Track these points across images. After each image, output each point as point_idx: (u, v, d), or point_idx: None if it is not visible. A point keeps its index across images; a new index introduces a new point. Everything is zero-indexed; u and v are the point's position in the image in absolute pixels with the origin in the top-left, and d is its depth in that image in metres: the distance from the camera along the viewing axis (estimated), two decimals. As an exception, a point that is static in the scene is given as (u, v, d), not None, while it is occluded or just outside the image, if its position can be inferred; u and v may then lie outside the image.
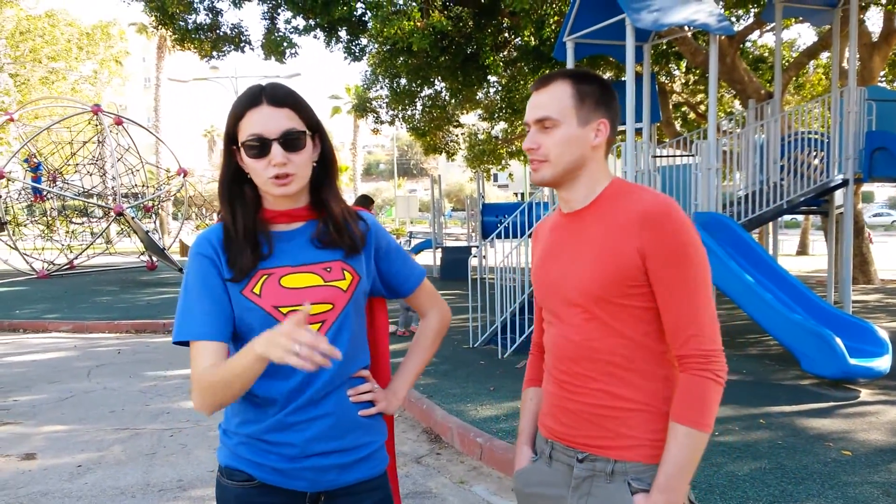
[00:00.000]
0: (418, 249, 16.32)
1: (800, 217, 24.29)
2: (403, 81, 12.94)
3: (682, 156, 9.48)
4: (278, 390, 1.31)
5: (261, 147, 1.27)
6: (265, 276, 1.31)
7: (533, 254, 1.55)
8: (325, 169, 1.38)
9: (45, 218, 16.42)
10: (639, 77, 7.99)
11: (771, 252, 9.10)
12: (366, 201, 7.88)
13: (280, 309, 1.30)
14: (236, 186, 1.35)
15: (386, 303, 1.57)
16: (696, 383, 1.26)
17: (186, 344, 1.30)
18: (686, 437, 1.25)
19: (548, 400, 1.47)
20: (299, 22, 11.78)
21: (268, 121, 1.26)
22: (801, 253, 19.82)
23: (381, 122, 16.19)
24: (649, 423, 1.33)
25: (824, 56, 13.63)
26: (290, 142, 1.27)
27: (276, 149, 1.26)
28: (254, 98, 1.28)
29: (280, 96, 1.29)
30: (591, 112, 1.36)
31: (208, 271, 1.32)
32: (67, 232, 16.81)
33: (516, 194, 45.34)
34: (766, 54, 13.82)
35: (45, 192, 15.04)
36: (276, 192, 1.30)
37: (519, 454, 1.54)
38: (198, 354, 1.27)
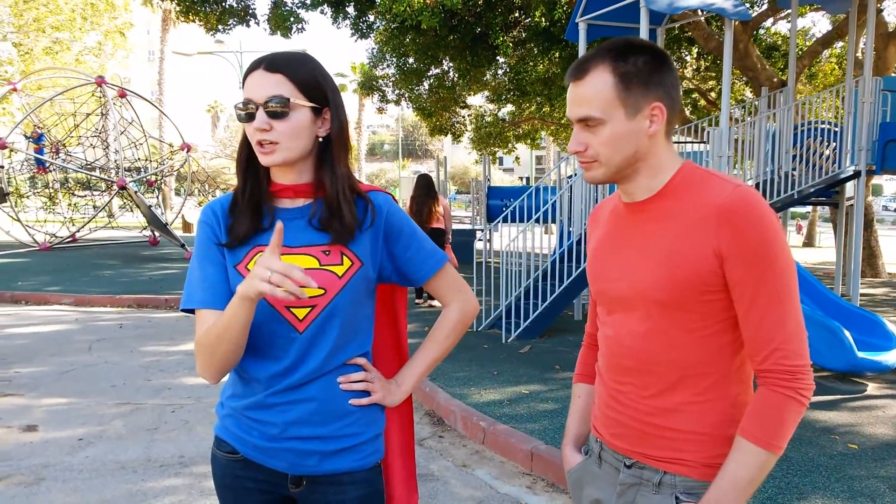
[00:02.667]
0: None
1: (807, 208, 24.18)
2: (411, 60, 12.79)
3: (691, 142, 9.38)
4: (265, 371, 1.29)
5: (248, 112, 1.24)
6: (260, 254, 1.28)
7: (588, 239, 1.40)
8: (328, 145, 1.32)
9: (47, 190, 16.36)
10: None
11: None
12: (424, 182, 7.80)
13: None
14: (252, 154, 1.32)
15: (406, 289, 1.50)
16: (777, 400, 1.12)
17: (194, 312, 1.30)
18: (752, 454, 1.12)
19: (599, 402, 1.36)
20: (307, -4, 11.62)
21: (257, 86, 1.24)
22: (808, 245, 19.74)
23: (387, 102, 16.06)
24: (709, 450, 1.20)
25: (838, 45, 13.44)
26: (273, 108, 1.23)
27: (260, 114, 1.23)
28: (255, 63, 1.26)
29: (277, 62, 1.25)
30: (641, 97, 1.16)
31: (209, 239, 1.32)
32: (70, 205, 16.76)
33: (521, 178, 45.21)
34: (780, 42, 13.63)
35: (47, 164, 14.96)
36: (261, 160, 1.27)
37: (564, 455, 1.46)
38: (200, 322, 1.27)
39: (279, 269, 1.07)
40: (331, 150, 1.32)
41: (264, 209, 1.31)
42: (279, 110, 1.23)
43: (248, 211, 1.30)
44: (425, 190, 7.76)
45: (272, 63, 1.24)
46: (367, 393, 1.35)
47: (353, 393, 1.33)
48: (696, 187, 1.18)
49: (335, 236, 1.29)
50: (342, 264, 1.29)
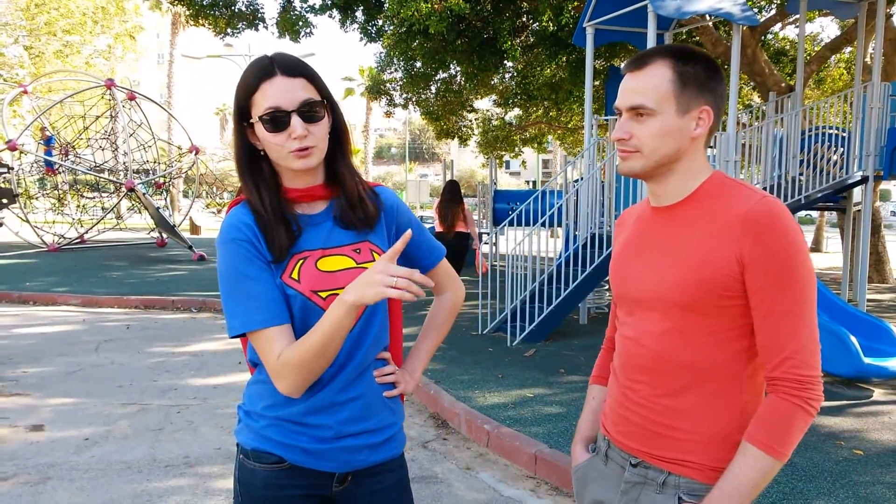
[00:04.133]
0: None
1: (814, 214, 24.07)
2: (418, 64, 12.81)
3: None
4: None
5: (279, 120, 1.22)
6: (301, 261, 1.29)
7: (614, 243, 1.43)
8: (338, 140, 1.34)
9: (56, 191, 16.49)
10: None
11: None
12: (452, 187, 7.95)
13: (319, 293, 1.27)
14: (254, 164, 1.31)
15: None
16: (784, 408, 1.13)
17: (242, 335, 1.26)
18: (756, 460, 1.13)
19: (610, 400, 1.38)
20: (316, 1, 11.68)
21: (284, 92, 1.22)
22: (815, 250, 19.63)
23: (395, 106, 16.08)
24: (715, 453, 1.21)
25: (847, 50, 13.39)
26: (309, 112, 1.23)
27: (296, 120, 1.22)
28: (265, 70, 1.23)
29: (293, 66, 1.24)
30: (694, 98, 1.20)
31: (252, 255, 1.26)
32: (78, 206, 16.87)
33: (528, 182, 45.20)
34: (787, 47, 13.59)
35: (56, 166, 15.07)
36: (296, 165, 1.25)
37: (573, 453, 1.50)
38: (270, 341, 1.22)
39: (404, 274, 1.10)
40: (340, 143, 1.34)
41: (289, 217, 1.30)
42: (316, 114, 1.24)
43: (280, 223, 1.28)
44: (451, 195, 7.92)
45: (288, 68, 1.23)
46: (391, 385, 1.41)
47: (384, 385, 1.39)
48: (724, 195, 1.21)
49: (360, 227, 1.33)
50: (373, 260, 1.33)
